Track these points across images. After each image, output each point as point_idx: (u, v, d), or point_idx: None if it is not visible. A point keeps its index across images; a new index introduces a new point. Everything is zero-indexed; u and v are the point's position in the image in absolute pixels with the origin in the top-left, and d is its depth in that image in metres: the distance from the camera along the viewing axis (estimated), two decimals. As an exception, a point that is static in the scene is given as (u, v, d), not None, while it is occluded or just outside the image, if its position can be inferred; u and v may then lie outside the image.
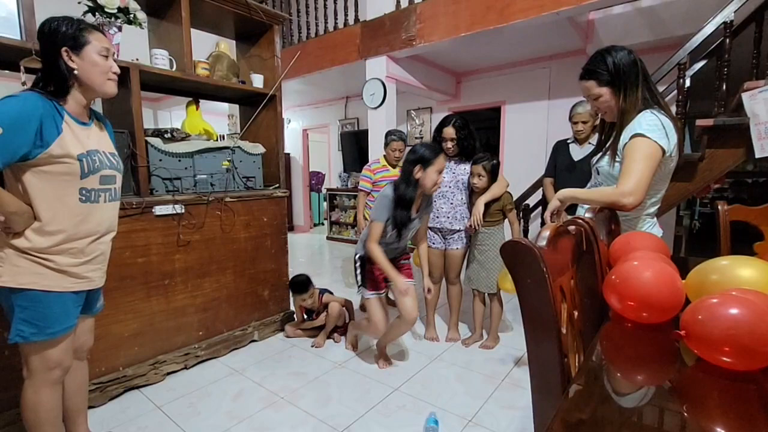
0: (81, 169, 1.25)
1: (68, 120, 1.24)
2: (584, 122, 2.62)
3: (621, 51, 1.28)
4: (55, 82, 1.23)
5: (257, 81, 2.63)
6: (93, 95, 1.31)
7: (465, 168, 2.45)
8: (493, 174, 2.35)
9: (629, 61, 1.27)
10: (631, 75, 1.27)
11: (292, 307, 2.85)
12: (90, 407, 1.71)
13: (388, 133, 3.00)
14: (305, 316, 2.71)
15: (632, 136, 1.22)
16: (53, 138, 1.18)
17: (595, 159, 1.44)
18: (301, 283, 2.58)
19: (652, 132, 1.19)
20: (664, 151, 1.20)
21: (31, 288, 1.22)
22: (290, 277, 2.69)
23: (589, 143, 2.68)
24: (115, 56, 1.88)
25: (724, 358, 0.61)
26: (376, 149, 4.27)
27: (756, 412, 0.56)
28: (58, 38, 1.21)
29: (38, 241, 1.21)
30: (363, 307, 2.85)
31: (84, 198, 1.28)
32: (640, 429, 0.55)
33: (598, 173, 1.41)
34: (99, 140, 1.35)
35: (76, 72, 1.24)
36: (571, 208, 1.53)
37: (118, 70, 1.33)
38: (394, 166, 2.94)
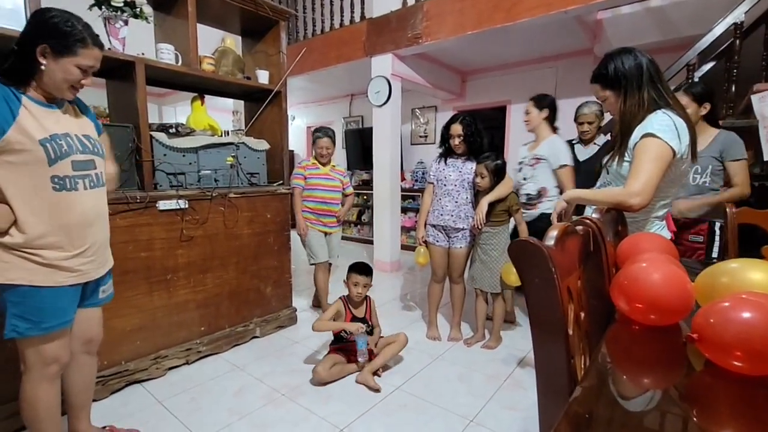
0: (47, 156, 1.17)
1: (27, 103, 1.18)
2: (590, 123, 2.60)
3: (626, 55, 1.29)
4: (18, 68, 1.17)
5: (262, 77, 2.62)
6: (51, 91, 1.24)
7: (471, 167, 2.44)
8: (496, 174, 2.33)
9: (632, 66, 1.27)
10: (633, 80, 1.27)
11: (294, 303, 2.85)
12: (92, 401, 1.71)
13: (315, 131, 2.97)
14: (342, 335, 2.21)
15: (643, 136, 1.20)
16: (8, 123, 1.12)
17: (606, 157, 1.43)
18: (366, 266, 2.27)
19: (664, 132, 1.18)
20: (674, 153, 1.18)
21: (21, 284, 1.19)
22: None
23: (594, 143, 2.67)
24: (122, 50, 1.90)
25: (736, 363, 0.60)
26: (380, 147, 4.27)
27: (767, 417, 0.55)
28: (45, 32, 1.15)
29: (19, 235, 1.18)
30: None
31: (58, 186, 1.21)
32: (648, 433, 0.54)
33: (608, 172, 1.40)
34: (68, 123, 1.28)
35: (42, 68, 1.17)
36: (578, 209, 1.52)
37: (88, 84, 1.26)
38: (323, 164, 2.96)
